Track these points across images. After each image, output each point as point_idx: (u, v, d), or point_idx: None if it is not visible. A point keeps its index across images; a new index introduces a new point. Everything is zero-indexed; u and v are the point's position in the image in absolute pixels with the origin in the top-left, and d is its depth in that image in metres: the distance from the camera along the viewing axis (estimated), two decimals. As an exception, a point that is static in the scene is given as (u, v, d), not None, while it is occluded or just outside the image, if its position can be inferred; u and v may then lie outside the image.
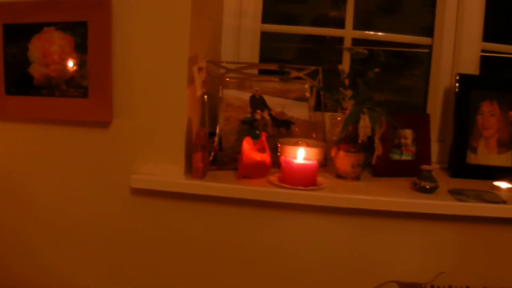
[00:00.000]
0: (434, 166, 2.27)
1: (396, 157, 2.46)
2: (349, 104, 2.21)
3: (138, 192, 2.16)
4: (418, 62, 2.86)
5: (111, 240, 2.23)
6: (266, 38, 2.77)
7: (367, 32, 2.76)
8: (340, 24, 2.73)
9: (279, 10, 2.93)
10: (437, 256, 2.25)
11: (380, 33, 2.80)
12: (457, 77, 2.56)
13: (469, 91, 2.56)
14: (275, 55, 2.95)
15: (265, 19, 2.74)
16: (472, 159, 2.56)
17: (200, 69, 2.11)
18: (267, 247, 2.21)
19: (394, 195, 2.17)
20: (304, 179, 2.11)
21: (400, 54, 2.84)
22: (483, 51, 2.69)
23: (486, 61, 2.80)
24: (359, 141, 2.21)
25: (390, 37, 2.81)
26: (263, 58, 2.74)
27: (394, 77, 2.87)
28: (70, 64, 2.06)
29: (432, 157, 2.57)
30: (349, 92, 2.19)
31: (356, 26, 2.74)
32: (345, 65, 2.61)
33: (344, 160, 2.26)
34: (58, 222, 2.24)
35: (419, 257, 2.25)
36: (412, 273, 2.23)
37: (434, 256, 2.25)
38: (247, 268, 2.24)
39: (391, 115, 2.31)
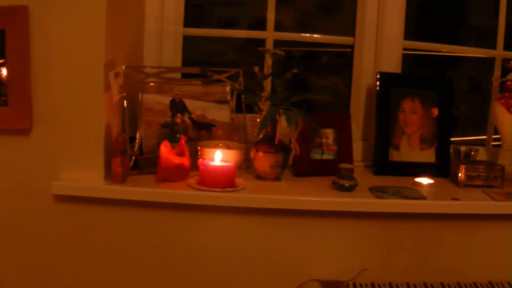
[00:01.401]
0: (352, 165, 2.37)
1: (317, 156, 2.56)
2: (265, 106, 2.29)
3: (61, 198, 2.21)
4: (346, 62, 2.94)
5: (35, 248, 2.28)
6: (201, 42, 2.90)
7: (288, 33, 2.88)
8: (278, 26, 2.84)
9: (217, 13, 3.07)
10: (359, 254, 2.35)
11: (302, 34, 2.92)
12: (378, 76, 2.67)
13: (390, 89, 2.68)
14: (211, 59, 3.09)
15: (202, 22, 2.87)
16: (395, 156, 2.68)
17: (117, 74, 2.18)
18: (189, 249, 2.29)
19: (313, 194, 2.26)
20: (221, 180, 2.19)
21: (342, 55, 2.95)
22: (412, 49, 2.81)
23: (418, 59, 2.94)
24: (276, 142, 2.30)
25: (312, 38, 2.92)
26: (197, 62, 2.84)
27: (322, 77, 3.00)
28: (-11, 72, 2.04)
29: (356, 156, 2.69)
30: (265, 94, 2.28)
31: (295, 28, 2.89)
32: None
33: (263, 161, 2.34)
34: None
35: (342, 255, 2.35)
36: (335, 271, 2.33)
37: (357, 253, 2.35)
38: (170, 269, 2.31)
39: (312, 115, 2.42)
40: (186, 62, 2.83)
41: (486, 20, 2.97)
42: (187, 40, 2.84)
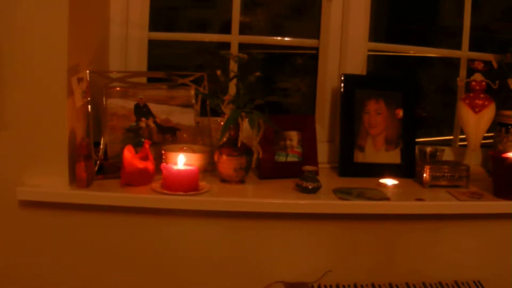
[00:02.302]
0: (315, 167, 2.42)
1: (282, 159, 2.61)
2: (228, 109, 2.34)
3: (26, 204, 2.24)
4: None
5: (0, 253, 2.32)
6: (175, 45, 2.96)
7: (253, 36, 2.93)
8: (251, 29, 2.93)
9: (190, 16, 3.12)
10: (324, 255, 2.41)
11: (267, 37, 2.99)
12: (342, 77, 2.73)
13: (354, 91, 2.74)
14: (180, 62, 3.15)
15: (175, 25, 2.97)
16: (360, 157, 2.74)
17: (80, 79, 2.22)
18: (154, 252, 2.34)
19: (276, 197, 2.32)
20: (185, 184, 2.24)
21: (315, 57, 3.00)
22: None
23: (390, 60, 3.03)
24: (238, 145, 2.35)
25: (277, 40, 2.98)
26: (166, 65, 2.89)
27: (288, 80, 3.07)
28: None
29: (322, 157, 2.75)
30: (227, 97, 2.33)
31: (268, 30, 2.99)
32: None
33: (226, 164, 2.39)
34: None
35: (306, 257, 2.40)
36: (300, 273, 2.39)
37: (322, 254, 2.41)
38: (135, 272, 2.36)
39: (276, 118, 2.48)
40: (155, 66, 2.88)
41: (458, 20, 3.03)
42: (158, 44, 2.91)
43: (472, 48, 3.08)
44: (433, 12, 3.31)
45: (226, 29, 2.88)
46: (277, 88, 2.84)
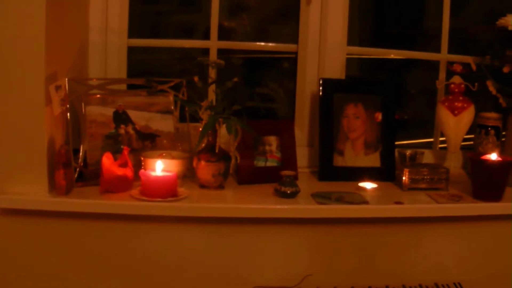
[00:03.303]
0: (293, 172, 2.46)
1: (261, 164, 2.66)
2: (205, 115, 2.39)
3: (6, 212, 2.28)
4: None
5: None
6: (159, 51, 3.02)
7: (231, 42, 2.99)
8: (236, 34, 2.99)
9: (175, 21, 3.17)
10: (304, 259, 2.46)
11: (246, 43, 3.04)
12: (321, 82, 2.78)
13: (332, 95, 2.79)
14: (161, 68, 3.19)
15: (160, 31, 3.04)
16: (340, 161, 2.79)
17: (58, 87, 2.26)
18: (133, 259, 2.38)
19: (255, 202, 2.37)
20: (163, 190, 2.29)
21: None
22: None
23: (375, 64, 3.10)
24: (216, 151, 2.41)
25: (256, 46, 3.04)
26: (147, 72, 2.92)
27: (275, 84, 3.12)
28: None
29: (302, 162, 2.81)
30: (205, 103, 2.39)
31: (252, 35, 3.04)
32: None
33: (205, 169, 2.44)
34: None
35: (286, 261, 2.45)
36: (280, 278, 2.43)
37: (301, 259, 2.46)
38: (115, 279, 2.40)
39: (255, 123, 2.53)
40: (138, 72, 2.94)
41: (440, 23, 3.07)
42: (142, 50, 2.97)
43: (454, 51, 3.15)
44: (418, 15, 3.34)
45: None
46: (260, 93, 2.85)
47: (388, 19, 3.37)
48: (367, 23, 3.38)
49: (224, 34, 2.98)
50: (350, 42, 3.00)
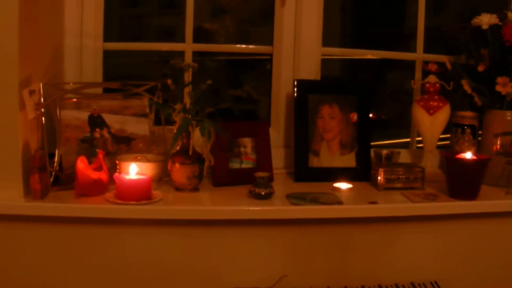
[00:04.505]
0: (267, 173, 2.49)
1: (236, 165, 2.72)
2: (178, 118, 2.45)
3: None
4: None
5: None
6: (135, 54, 3.06)
7: (206, 45, 3.05)
8: (220, 36, 3.05)
9: (156, 23, 3.22)
10: (279, 260, 2.51)
11: (221, 45, 3.12)
12: (295, 83, 2.84)
13: (307, 96, 2.85)
14: (140, 72, 3.23)
15: (141, 33, 3.07)
16: (315, 162, 2.85)
17: (32, 92, 2.30)
18: (109, 262, 2.42)
19: (229, 204, 2.41)
20: (137, 193, 2.34)
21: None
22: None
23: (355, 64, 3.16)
24: (190, 153, 2.45)
25: (231, 48, 3.11)
26: (129, 75, 3.00)
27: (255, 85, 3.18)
28: None
29: (278, 163, 2.88)
30: (178, 106, 2.44)
31: (233, 37, 3.10)
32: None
33: (179, 172, 2.49)
34: None
35: (262, 262, 2.49)
36: (255, 279, 2.48)
37: (277, 260, 2.50)
38: (91, 282, 2.44)
39: (229, 125, 2.60)
40: (117, 75, 2.98)
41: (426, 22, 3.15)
42: (122, 54, 3.02)
43: (436, 50, 3.21)
44: (400, 15, 3.39)
45: (194, 37, 2.98)
46: (235, 95, 2.91)
47: (370, 19, 3.42)
48: (348, 23, 3.43)
49: (206, 36, 3.06)
50: (331, 43, 3.08)
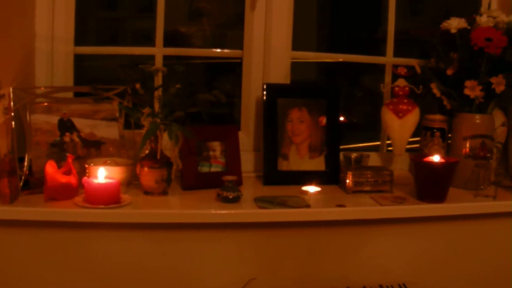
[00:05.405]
0: (234, 177, 2.54)
1: (205, 169, 2.77)
2: (147, 122, 2.50)
3: None
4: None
5: None
6: (110, 58, 3.10)
7: (177, 48, 3.09)
8: (197, 39, 3.11)
9: (132, 27, 3.29)
10: (247, 264, 2.55)
11: (191, 49, 3.16)
12: (264, 86, 2.90)
13: (276, 100, 2.91)
14: (115, 76, 3.21)
15: (118, 37, 3.13)
16: (284, 165, 2.90)
17: (1, 96, 2.35)
18: (79, 266, 2.46)
19: (196, 207, 2.46)
20: (105, 197, 2.38)
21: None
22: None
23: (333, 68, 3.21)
24: (158, 157, 2.50)
25: (202, 52, 3.17)
26: (102, 79, 2.98)
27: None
28: None
29: (248, 166, 2.94)
30: (146, 110, 2.50)
31: (210, 42, 3.17)
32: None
33: (148, 176, 2.54)
34: None
35: (230, 266, 2.54)
36: (224, 282, 2.53)
37: (245, 263, 2.54)
38: (60, 286, 2.48)
39: (198, 129, 2.65)
40: (88, 79, 3.03)
41: (399, 26, 3.25)
42: (98, 57, 3.07)
43: (406, 54, 3.27)
44: (376, 19, 3.43)
45: (170, 40, 3.05)
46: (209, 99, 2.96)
47: (347, 23, 3.48)
48: (326, 27, 3.49)
49: (182, 40, 3.15)
50: (308, 47, 3.16)
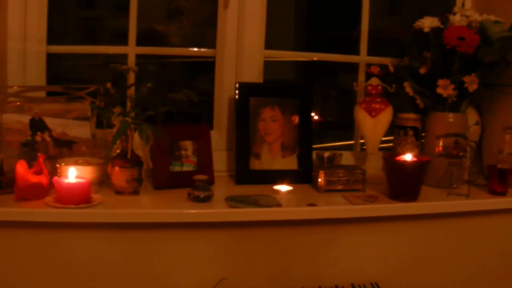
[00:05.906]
0: (205, 176, 2.56)
1: (177, 168, 2.79)
2: (117, 121, 2.51)
3: None
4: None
5: None
6: (85, 57, 3.11)
7: (149, 48, 3.10)
8: (177, 38, 3.13)
9: (110, 25, 3.29)
10: (219, 263, 2.57)
11: (163, 48, 3.18)
12: (237, 85, 2.92)
13: (249, 99, 2.93)
14: (90, 75, 3.27)
15: (95, 36, 3.16)
16: (256, 165, 2.93)
17: (-28, 95, 2.37)
18: (50, 267, 2.47)
19: (167, 207, 2.48)
20: (76, 197, 2.40)
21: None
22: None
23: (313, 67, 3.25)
24: (128, 157, 2.52)
25: (175, 51, 3.19)
26: (76, 79, 3.07)
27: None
28: None
29: (221, 166, 2.96)
30: (117, 109, 2.50)
31: (188, 40, 3.19)
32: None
33: (119, 175, 2.56)
34: None
35: (201, 265, 2.55)
36: (195, 282, 2.55)
37: (216, 263, 2.57)
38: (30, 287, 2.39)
39: (170, 128, 2.67)
40: (62, 79, 3.05)
41: (378, 25, 3.28)
42: (72, 57, 3.08)
43: (382, 53, 3.31)
44: (354, 18, 3.45)
45: (143, 40, 3.08)
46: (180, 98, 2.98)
47: (325, 22, 3.50)
48: (303, 26, 3.51)
49: (160, 39, 3.17)
50: (285, 46, 3.20)
